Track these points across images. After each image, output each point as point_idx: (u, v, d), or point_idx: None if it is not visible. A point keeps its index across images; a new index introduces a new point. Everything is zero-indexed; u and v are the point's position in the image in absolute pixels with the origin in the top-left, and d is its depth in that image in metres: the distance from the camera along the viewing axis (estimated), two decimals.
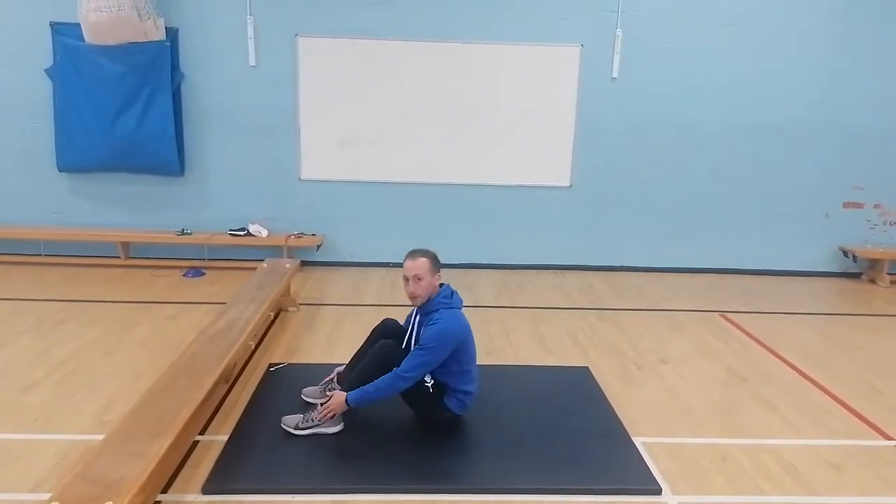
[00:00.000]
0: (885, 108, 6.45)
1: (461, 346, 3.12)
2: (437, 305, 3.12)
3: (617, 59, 6.24)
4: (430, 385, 3.09)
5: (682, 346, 4.62)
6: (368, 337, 3.43)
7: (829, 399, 3.82)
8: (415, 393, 3.09)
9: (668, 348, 4.55)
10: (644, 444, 3.18)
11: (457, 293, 3.23)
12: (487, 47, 6.20)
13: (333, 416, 3.05)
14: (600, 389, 3.74)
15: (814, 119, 6.45)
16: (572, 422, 3.33)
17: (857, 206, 6.71)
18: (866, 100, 6.42)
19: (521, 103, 6.32)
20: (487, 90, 6.29)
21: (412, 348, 3.09)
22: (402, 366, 3.01)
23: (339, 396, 3.03)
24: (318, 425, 3.09)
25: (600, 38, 6.21)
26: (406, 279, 3.12)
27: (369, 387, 3.01)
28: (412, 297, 3.13)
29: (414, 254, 3.14)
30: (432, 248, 6.51)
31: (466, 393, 3.19)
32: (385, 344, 3.13)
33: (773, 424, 3.48)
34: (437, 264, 3.15)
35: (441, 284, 3.19)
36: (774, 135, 6.47)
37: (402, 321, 3.49)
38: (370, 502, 2.66)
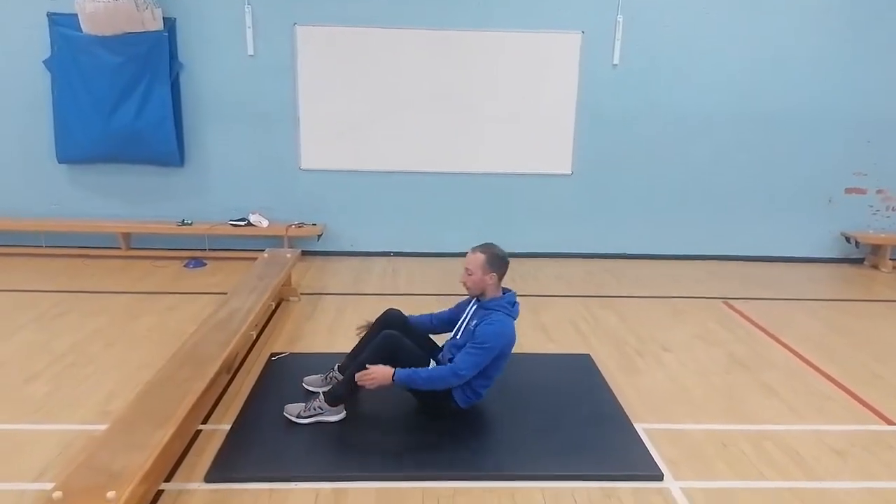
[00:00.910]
0: (887, 93, 6.40)
1: (501, 354, 3.11)
2: (498, 307, 3.12)
3: (618, 45, 6.20)
4: None
5: (684, 333, 4.62)
6: (371, 326, 3.42)
7: (831, 385, 3.82)
8: None
9: (670, 335, 4.55)
10: (646, 430, 3.19)
11: (518, 304, 3.22)
12: (487, 35, 6.15)
13: (373, 383, 2.95)
14: (602, 377, 3.74)
15: (817, 105, 6.41)
16: (574, 409, 3.33)
17: (860, 191, 6.68)
18: (869, 86, 6.37)
19: (521, 91, 6.29)
20: (487, 78, 6.25)
21: (466, 344, 3.06)
22: (458, 363, 2.99)
23: (386, 369, 2.96)
24: (320, 414, 3.10)
25: (601, 24, 6.16)
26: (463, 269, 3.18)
27: (422, 371, 2.98)
28: (463, 285, 3.20)
29: (475, 247, 3.19)
30: (433, 237, 6.50)
31: (478, 394, 3.18)
32: (388, 334, 3.11)
33: (775, 410, 3.48)
34: (494, 263, 3.14)
35: (505, 291, 3.21)
36: (777, 121, 6.44)
37: (404, 310, 3.48)
38: (372, 490, 2.66)
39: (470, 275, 3.14)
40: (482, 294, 3.18)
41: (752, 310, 5.15)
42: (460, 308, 3.39)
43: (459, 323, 3.25)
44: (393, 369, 2.96)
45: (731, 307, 5.23)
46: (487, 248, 3.17)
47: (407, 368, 2.98)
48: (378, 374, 2.95)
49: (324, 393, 3.13)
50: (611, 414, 3.32)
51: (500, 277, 3.19)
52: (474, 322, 3.12)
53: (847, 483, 2.82)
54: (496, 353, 3.05)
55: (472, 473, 2.79)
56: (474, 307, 3.23)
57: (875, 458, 3.02)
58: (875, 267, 6.64)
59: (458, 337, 3.20)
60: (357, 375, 2.97)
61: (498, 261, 3.16)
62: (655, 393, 3.64)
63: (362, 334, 3.40)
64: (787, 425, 3.31)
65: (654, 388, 3.71)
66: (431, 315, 3.50)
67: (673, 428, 3.25)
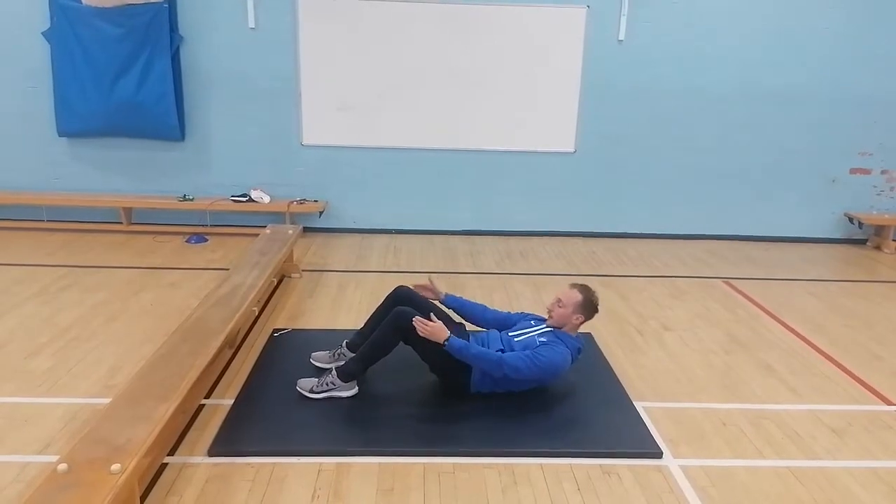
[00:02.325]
0: (894, 72, 6.34)
1: (541, 380, 3.18)
2: (568, 344, 3.17)
3: (624, 20, 6.11)
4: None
5: (685, 312, 4.63)
6: (381, 304, 3.44)
7: (831, 365, 3.84)
8: (435, 351, 3.07)
9: (671, 315, 4.56)
10: (646, 408, 3.21)
11: (582, 352, 3.27)
12: (492, 9, 6.07)
13: (426, 333, 2.97)
14: (603, 355, 3.75)
15: (823, 84, 6.34)
16: (575, 387, 3.34)
17: (864, 171, 6.64)
18: (876, 64, 6.30)
19: (525, 67, 6.22)
20: (491, 53, 6.18)
21: (526, 350, 3.09)
22: (508, 358, 3.01)
23: (443, 329, 2.98)
24: (332, 389, 3.12)
25: None
26: (556, 296, 3.27)
27: (473, 348, 3.01)
28: (548, 312, 3.28)
29: (576, 285, 3.28)
30: (435, 214, 6.47)
31: (495, 386, 3.17)
32: (401, 311, 3.10)
33: (774, 390, 3.50)
34: (587, 308, 3.22)
35: (579, 335, 3.27)
36: (782, 99, 6.37)
37: (406, 286, 3.50)
38: (374, 465, 2.69)
39: (560, 307, 3.22)
40: (561, 327, 3.24)
41: (754, 290, 5.15)
42: (526, 317, 3.44)
43: (527, 330, 3.28)
44: (448, 332, 2.99)
45: (733, 287, 5.23)
46: (586, 292, 3.25)
47: (461, 340, 3.01)
48: (435, 329, 2.98)
49: (336, 369, 3.14)
50: (611, 392, 3.34)
51: (584, 321, 3.28)
52: (543, 339, 3.16)
53: (844, 462, 2.84)
54: (539, 377, 3.11)
55: (473, 449, 2.81)
56: (548, 329, 3.26)
57: (873, 438, 3.04)
58: (878, 248, 6.63)
59: (516, 339, 3.23)
60: (416, 320, 2.98)
61: (590, 307, 3.25)
62: (656, 372, 3.66)
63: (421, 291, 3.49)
64: (786, 405, 3.34)
65: (655, 366, 3.73)
66: (486, 307, 3.56)
67: (673, 406, 3.27)
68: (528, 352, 3.09)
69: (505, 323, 3.46)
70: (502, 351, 3.17)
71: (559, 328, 3.25)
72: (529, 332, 3.26)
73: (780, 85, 6.33)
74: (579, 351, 3.25)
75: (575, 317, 3.22)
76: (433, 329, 2.98)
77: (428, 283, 3.54)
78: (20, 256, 5.39)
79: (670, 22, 6.14)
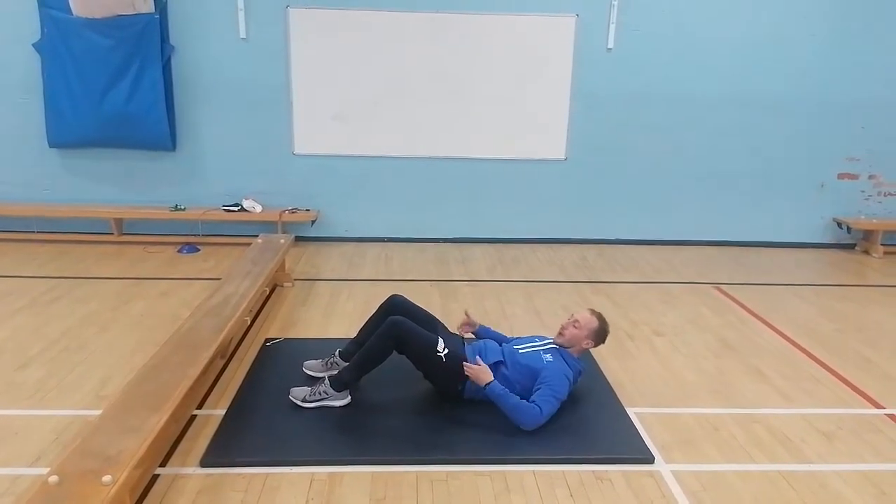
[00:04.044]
0: (881, 78, 6.41)
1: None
2: (571, 365, 3.19)
3: (612, 29, 6.17)
4: (442, 356, 3.08)
5: (676, 318, 4.65)
6: (375, 313, 3.44)
7: (821, 369, 3.86)
8: (430, 359, 3.09)
9: (662, 320, 4.58)
10: (637, 414, 3.22)
11: (581, 377, 3.29)
12: (481, 18, 6.11)
13: (471, 375, 3.02)
14: (594, 361, 3.76)
15: (811, 90, 6.41)
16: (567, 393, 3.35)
17: (852, 177, 6.70)
18: (863, 70, 6.37)
19: (515, 75, 6.26)
20: (482, 62, 6.22)
21: (541, 386, 3.06)
22: (546, 408, 2.98)
23: (487, 374, 3.02)
24: (325, 398, 3.11)
25: (595, 7, 6.12)
26: (572, 316, 3.32)
27: (512, 398, 2.98)
28: (561, 328, 3.31)
29: (594, 311, 3.35)
30: (427, 223, 6.51)
31: (488, 398, 3.15)
32: (395, 320, 3.11)
33: (765, 394, 3.52)
34: (599, 336, 3.28)
35: (581, 359, 3.30)
36: (770, 105, 6.43)
37: (400, 295, 3.51)
38: (367, 474, 2.69)
39: (576, 328, 3.26)
40: (568, 347, 3.27)
41: (744, 295, 5.18)
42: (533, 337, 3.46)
43: (532, 345, 3.29)
44: (492, 378, 3.02)
45: (723, 292, 5.26)
46: (602, 320, 3.31)
47: (502, 387, 3.01)
48: (479, 372, 3.02)
49: (329, 378, 3.14)
50: (603, 398, 3.35)
51: (591, 348, 3.34)
52: (549, 357, 3.17)
53: (834, 466, 2.86)
54: (559, 392, 3.09)
55: (466, 457, 2.81)
56: (553, 346, 3.28)
57: (862, 442, 3.06)
58: (866, 252, 6.68)
59: (520, 352, 3.24)
60: (465, 365, 3.04)
61: (602, 336, 3.31)
62: (647, 377, 3.67)
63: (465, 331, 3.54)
64: (776, 409, 3.35)
65: (647, 372, 3.74)
66: (505, 336, 3.60)
67: (664, 412, 3.28)
68: (548, 391, 3.03)
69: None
70: (501, 362, 3.18)
71: (566, 348, 3.26)
72: (535, 347, 3.27)
73: (768, 91, 6.39)
74: (580, 373, 3.27)
75: (586, 341, 3.26)
76: (477, 372, 3.02)
77: (466, 318, 3.58)
78: (10, 268, 5.36)
79: (658, 30, 6.19)
